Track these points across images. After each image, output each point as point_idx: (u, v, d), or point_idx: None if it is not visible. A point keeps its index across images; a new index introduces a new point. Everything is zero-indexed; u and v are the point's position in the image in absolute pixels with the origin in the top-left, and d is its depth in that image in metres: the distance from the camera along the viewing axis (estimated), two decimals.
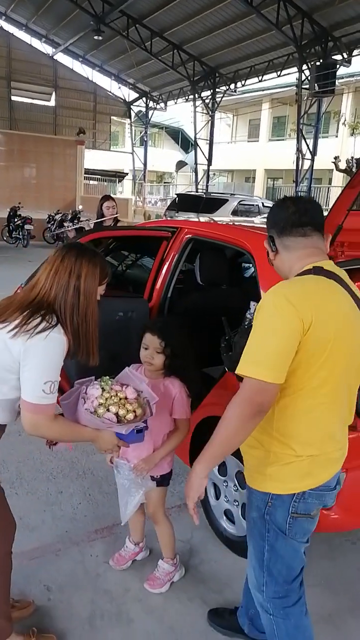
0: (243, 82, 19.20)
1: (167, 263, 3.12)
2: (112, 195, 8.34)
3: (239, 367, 1.39)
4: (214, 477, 2.61)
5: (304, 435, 1.48)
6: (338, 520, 2.15)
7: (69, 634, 2.02)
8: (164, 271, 3.11)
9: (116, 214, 5.44)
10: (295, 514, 1.53)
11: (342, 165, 15.95)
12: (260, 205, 12.95)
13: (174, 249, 3.11)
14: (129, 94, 25.17)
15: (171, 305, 3.16)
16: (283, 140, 25.80)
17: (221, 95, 20.24)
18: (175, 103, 23.56)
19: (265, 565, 1.62)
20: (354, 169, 15.79)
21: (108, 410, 1.68)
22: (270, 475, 1.53)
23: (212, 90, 19.97)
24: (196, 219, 3.96)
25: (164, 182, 32.65)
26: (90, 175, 22.29)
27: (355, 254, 2.46)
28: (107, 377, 1.82)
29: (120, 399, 1.74)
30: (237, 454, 2.38)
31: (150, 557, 2.43)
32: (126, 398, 1.76)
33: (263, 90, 22.36)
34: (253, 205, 12.92)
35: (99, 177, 23.54)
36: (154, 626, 2.08)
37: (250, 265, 3.48)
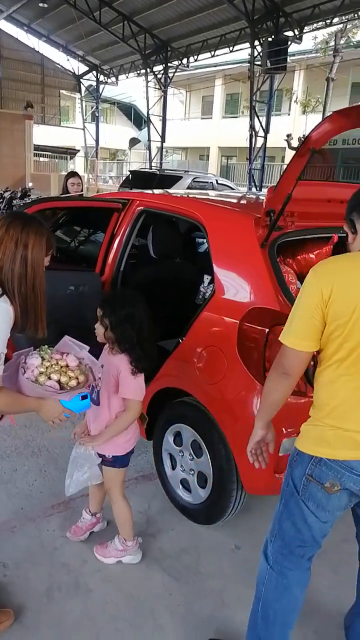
0: (195, 57, 18.93)
1: (119, 236, 3.07)
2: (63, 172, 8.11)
3: None
4: (170, 448, 2.63)
5: (325, 404, 1.54)
6: None
7: (27, 608, 2.01)
8: (115, 244, 3.07)
9: (81, 191, 5.36)
10: (310, 477, 1.56)
11: (295, 143, 16.07)
12: (215, 182, 12.92)
13: (125, 221, 3.06)
14: (78, 67, 24.36)
15: (125, 279, 3.12)
16: (236, 117, 25.74)
17: (173, 70, 19.90)
18: (127, 77, 23.01)
19: (278, 517, 1.67)
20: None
21: (49, 378, 1.66)
22: (301, 432, 1.63)
23: (164, 65, 19.59)
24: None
25: (117, 160, 32.00)
26: (40, 152, 21.54)
27: (305, 224, 2.50)
28: (46, 346, 1.79)
29: (61, 367, 1.72)
30: (192, 423, 2.45)
31: (109, 528, 2.44)
32: (67, 366, 1.74)
33: (216, 66, 22.14)
34: (207, 182, 12.86)
35: (50, 153, 22.80)
36: (112, 594, 2.10)
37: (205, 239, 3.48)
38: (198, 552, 2.36)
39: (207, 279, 3.29)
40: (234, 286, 2.36)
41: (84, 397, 1.73)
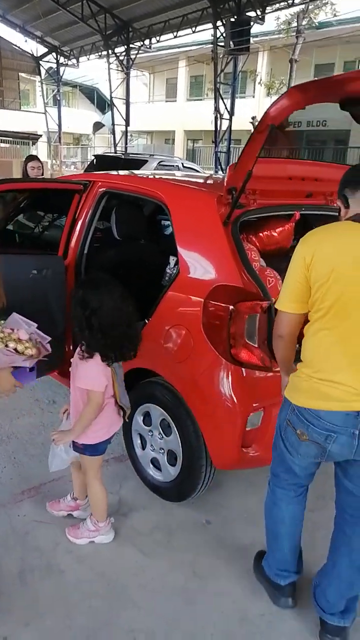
0: (158, 37, 18.63)
1: (82, 219, 3.02)
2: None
3: None
4: (139, 428, 2.65)
5: (306, 356, 1.72)
6: (258, 456, 2.27)
7: (0, 593, 2.00)
8: (78, 227, 3.02)
9: (42, 175, 5.25)
10: (289, 421, 1.76)
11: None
12: (181, 165, 12.84)
13: (87, 203, 3.01)
14: (37, 49, 23.62)
15: (89, 262, 3.08)
16: (201, 100, 25.55)
17: (136, 51, 19.54)
18: (88, 59, 22.46)
19: (273, 445, 1.92)
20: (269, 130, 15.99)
21: (7, 346, 1.65)
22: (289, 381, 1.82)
23: (126, 46, 19.21)
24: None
25: (81, 145, 31.39)
26: (0, 137, 20.91)
27: (267, 202, 2.52)
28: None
29: (13, 339, 1.72)
30: (160, 402, 2.46)
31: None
32: (19, 339, 1.74)
33: (179, 48, 21.88)
34: (173, 166, 12.76)
35: (10, 139, 22.15)
36: (85, 574, 2.12)
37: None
38: (170, 529, 2.39)
39: (173, 260, 3.28)
40: (198, 265, 2.37)
41: (31, 369, 1.75)
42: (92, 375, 2.05)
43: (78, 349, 2.08)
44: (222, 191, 2.31)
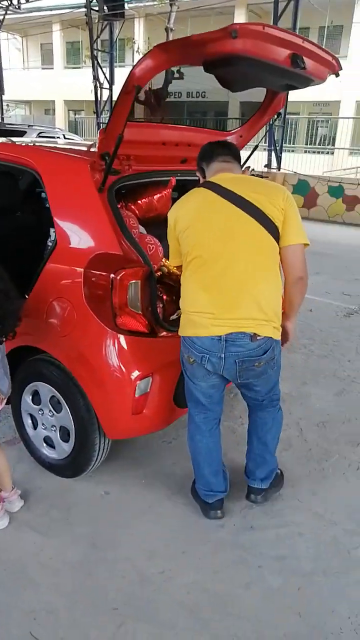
0: None
1: None
2: None
3: None
4: (29, 408, 2.55)
5: (183, 298, 2.07)
6: (150, 422, 2.30)
7: None
8: None
9: None
10: (182, 352, 2.10)
11: (142, 96, 15.87)
12: (62, 137, 12.39)
13: None
14: None
15: None
16: (79, 68, 24.55)
17: (3, 11, 18.09)
18: None
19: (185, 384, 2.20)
20: (152, 101, 15.86)
21: None
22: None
23: None
24: None
25: None
26: None
27: (142, 168, 2.49)
28: None
29: None
30: (48, 379, 2.38)
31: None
32: None
33: (51, 10, 20.66)
34: (54, 137, 12.27)
35: None
36: None
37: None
38: (67, 505, 2.36)
39: (53, 232, 3.15)
40: (76, 234, 2.29)
41: None
42: None
43: None
44: (95, 157, 2.24)
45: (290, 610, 1.89)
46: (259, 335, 1.95)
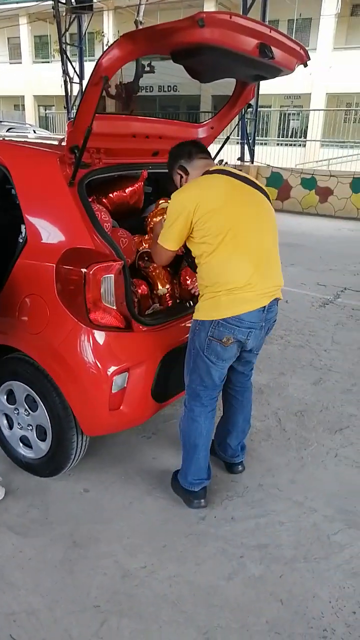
0: None
1: None
2: None
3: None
4: (4, 408, 2.50)
5: (216, 276, 2.05)
6: (127, 417, 2.28)
7: None
8: None
9: None
10: (212, 337, 2.07)
11: (113, 90, 15.71)
12: (33, 132, 12.21)
13: None
14: None
15: None
16: (49, 62, 24.18)
17: None
18: None
19: (188, 373, 2.22)
20: (123, 95, 15.71)
21: None
22: (198, 308, 2.13)
23: None
24: None
25: None
26: None
27: (113, 161, 2.46)
28: None
29: None
30: (22, 378, 2.34)
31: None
32: None
33: (18, 3, 20.29)
34: (25, 133, 12.10)
35: None
36: None
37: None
38: (46, 504, 2.33)
39: (24, 229, 3.09)
40: (46, 229, 2.25)
41: None
42: None
43: None
44: (64, 151, 2.20)
45: (272, 597, 1.90)
46: (279, 299, 2.19)
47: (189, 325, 2.49)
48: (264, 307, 2.08)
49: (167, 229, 2.09)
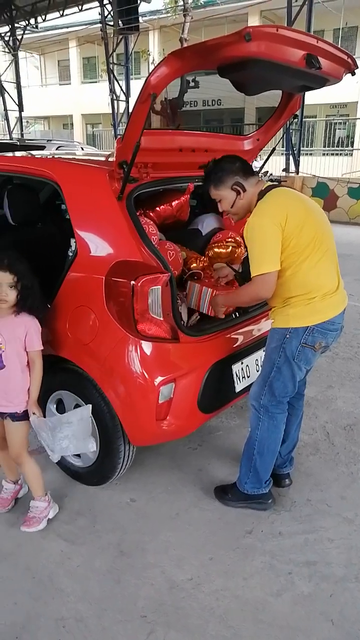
0: (43, 16, 17.78)
1: None
2: None
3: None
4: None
5: (303, 286, 2.09)
6: (174, 428, 2.29)
7: None
8: None
9: None
10: (304, 344, 2.11)
11: (158, 106, 16.02)
12: (81, 150, 12.59)
13: None
14: None
15: None
16: (96, 82, 24.96)
17: (22, 31, 18.56)
18: None
19: (269, 380, 2.21)
20: (168, 111, 15.99)
21: None
22: (288, 316, 2.13)
23: (10, 26, 18.18)
24: None
25: None
26: None
27: (160, 175, 2.50)
28: None
29: None
30: (72, 387, 2.40)
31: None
32: None
33: (67, 27, 21.12)
34: (73, 151, 12.49)
35: None
36: (8, 572, 2.04)
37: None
38: (93, 513, 2.36)
39: (73, 242, 3.18)
40: (96, 243, 2.31)
41: None
42: (39, 335, 2.21)
43: (30, 320, 2.18)
44: (113, 166, 2.26)
45: (322, 617, 1.84)
46: None
47: (235, 336, 2.49)
48: (345, 308, 2.20)
49: (261, 254, 2.04)
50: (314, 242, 2.07)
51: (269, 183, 2.21)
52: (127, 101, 15.90)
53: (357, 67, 2.29)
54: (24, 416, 2.21)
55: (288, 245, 2.04)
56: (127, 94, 15.83)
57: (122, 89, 15.85)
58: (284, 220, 2.01)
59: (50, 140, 12.84)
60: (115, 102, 15.94)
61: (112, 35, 15.10)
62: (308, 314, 2.09)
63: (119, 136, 2.23)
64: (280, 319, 2.16)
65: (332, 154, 14.89)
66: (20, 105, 19.30)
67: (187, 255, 2.78)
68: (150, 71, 1.94)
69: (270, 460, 2.32)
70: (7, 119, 20.01)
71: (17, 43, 18.65)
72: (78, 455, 2.52)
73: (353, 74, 2.31)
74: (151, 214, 2.65)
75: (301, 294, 2.09)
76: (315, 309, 2.09)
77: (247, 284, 2.18)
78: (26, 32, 18.71)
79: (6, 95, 19.24)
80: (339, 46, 2.16)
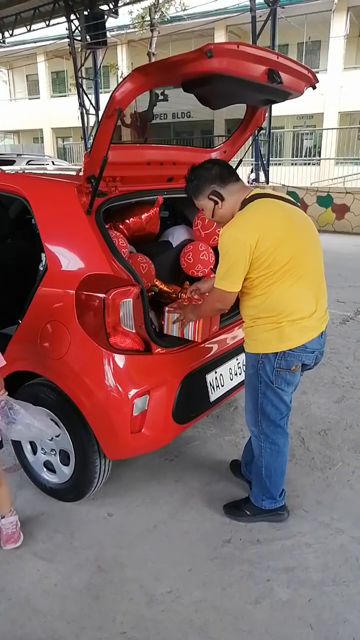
0: (10, 31, 17.75)
1: None
2: None
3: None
4: None
5: (277, 307, 2.01)
6: (149, 440, 2.28)
7: None
8: None
9: None
10: (279, 368, 2.07)
11: (128, 119, 16.14)
12: (51, 164, 12.56)
13: None
14: None
15: None
16: (66, 96, 24.97)
17: None
18: None
19: (259, 406, 2.18)
20: (138, 124, 16.12)
21: None
22: (257, 341, 2.09)
23: None
24: None
25: None
26: None
27: (129, 188, 2.52)
28: None
29: None
30: (45, 403, 2.38)
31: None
32: None
33: (36, 42, 21.11)
34: (44, 165, 12.44)
35: None
36: None
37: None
38: (71, 529, 2.33)
39: (44, 257, 3.16)
40: (66, 257, 2.31)
41: None
42: None
43: None
44: (81, 180, 2.27)
45: (301, 622, 1.86)
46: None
47: (208, 346, 2.51)
48: (324, 330, 2.13)
49: (226, 271, 1.97)
50: (291, 263, 1.96)
51: (256, 191, 2.07)
52: (96, 114, 15.95)
53: (318, 81, 2.36)
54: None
55: (259, 267, 1.95)
56: (97, 108, 15.89)
57: (91, 103, 15.92)
58: (254, 242, 1.91)
59: (20, 155, 12.77)
60: (85, 115, 16.00)
61: (80, 50, 15.19)
62: (274, 340, 2.04)
63: (86, 151, 2.23)
64: (250, 344, 2.13)
65: (301, 164, 15.21)
66: None
67: (165, 289, 2.76)
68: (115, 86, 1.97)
69: (280, 480, 2.33)
70: None
71: None
72: (54, 472, 2.49)
73: (314, 87, 2.38)
74: (121, 226, 2.67)
75: (268, 316, 2.03)
76: (282, 335, 2.02)
77: (208, 294, 2.18)
78: None
79: None
80: (303, 60, 2.23)
